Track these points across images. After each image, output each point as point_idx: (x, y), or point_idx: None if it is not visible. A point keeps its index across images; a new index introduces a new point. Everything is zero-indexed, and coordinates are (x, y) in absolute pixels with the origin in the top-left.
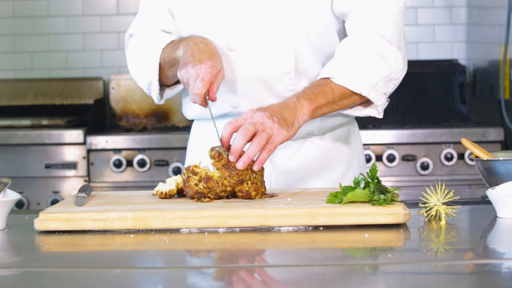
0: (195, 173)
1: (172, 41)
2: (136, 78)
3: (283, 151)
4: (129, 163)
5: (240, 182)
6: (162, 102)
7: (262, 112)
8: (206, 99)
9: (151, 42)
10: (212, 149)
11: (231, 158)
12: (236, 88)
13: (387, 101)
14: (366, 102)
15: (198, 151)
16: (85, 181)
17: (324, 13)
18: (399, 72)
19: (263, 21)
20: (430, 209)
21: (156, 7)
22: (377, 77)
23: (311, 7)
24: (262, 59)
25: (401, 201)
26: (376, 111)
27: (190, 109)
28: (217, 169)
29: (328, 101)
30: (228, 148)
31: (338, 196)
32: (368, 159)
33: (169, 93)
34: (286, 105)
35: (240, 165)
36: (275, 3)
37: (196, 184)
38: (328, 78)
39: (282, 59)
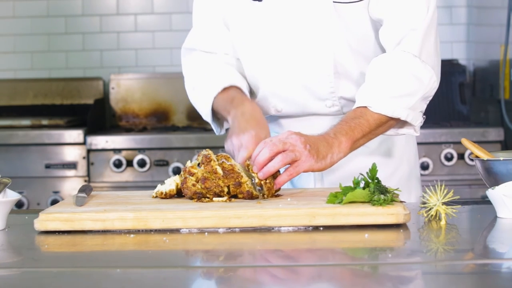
0: (192, 174)
1: (224, 88)
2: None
3: None
4: (129, 163)
5: (238, 185)
6: (222, 132)
7: (297, 136)
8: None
9: (205, 86)
10: (199, 155)
11: (255, 169)
12: (280, 93)
13: (423, 118)
14: (402, 121)
15: None
16: (85, 181)
17: (362, 18)
18: (433, 89)
19: (303, 28)
20: (430, 209)
21: (209, 23)
22: (413, 100)
23: (349, 13)
24: (302, 65)
25: (401, 201)
26: (413, 130)
27: None
28: (208, 172)
29: (364, 134)
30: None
31: (338, 196)
32: None
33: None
34: (324, 139)
35: (260, 175)
36: (314, 11)
37: (193, 185)
38: (364, 107)
39: (322, 64)
